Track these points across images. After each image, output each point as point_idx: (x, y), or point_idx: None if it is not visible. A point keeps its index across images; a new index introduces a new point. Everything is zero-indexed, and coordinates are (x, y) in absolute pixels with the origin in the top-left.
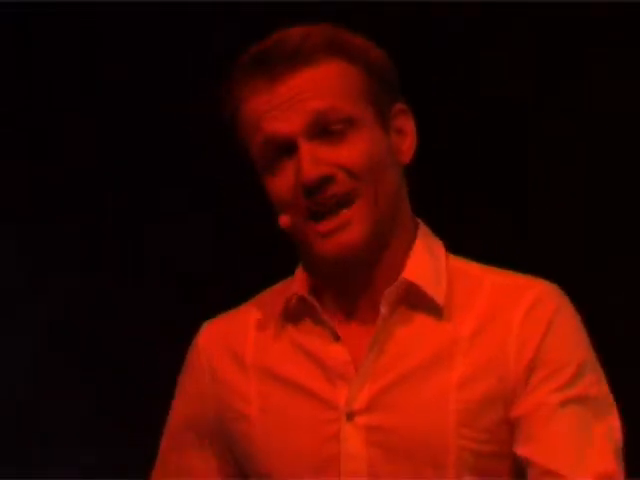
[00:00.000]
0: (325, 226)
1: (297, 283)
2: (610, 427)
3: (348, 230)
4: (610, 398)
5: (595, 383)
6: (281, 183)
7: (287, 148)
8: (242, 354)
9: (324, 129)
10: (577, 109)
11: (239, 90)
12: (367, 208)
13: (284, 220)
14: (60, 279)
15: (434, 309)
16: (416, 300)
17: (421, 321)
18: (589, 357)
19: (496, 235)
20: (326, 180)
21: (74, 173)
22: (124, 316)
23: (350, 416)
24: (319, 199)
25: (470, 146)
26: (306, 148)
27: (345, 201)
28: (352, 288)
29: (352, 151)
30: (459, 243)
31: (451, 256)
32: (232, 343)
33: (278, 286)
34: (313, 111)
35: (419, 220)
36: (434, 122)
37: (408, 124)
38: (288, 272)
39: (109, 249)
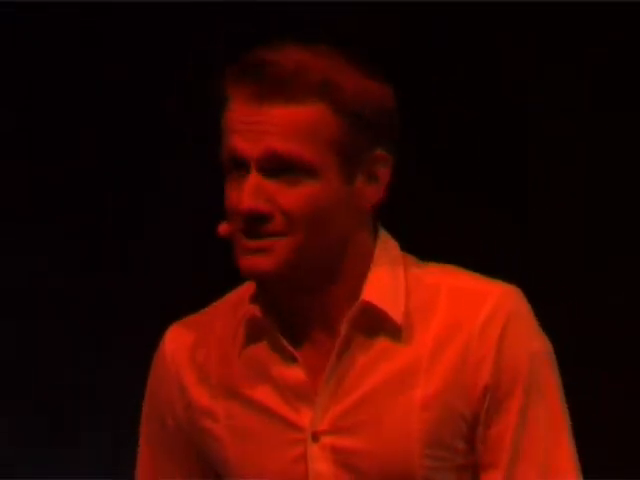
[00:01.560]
0: (249, 244)
1: (250, 302)
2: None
3: (266, 256)
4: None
5: (545, 377)
6: (231, 193)
7: (245, 166)
8: (207, 370)
9: (278, 169)
10: (577, 109)
11: (230, 89)
12: (295, 246)
13: (223, 228)
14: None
15: (394, 328)
16: (376, 320)
17: (382, 341)
18: (540, 356)
19: (496, 235)
20: (261, 217)
21: (74, 173)
22: (124, 315)
23: (315, 437)
24: (251, 227)
25: (470, 146)
26: (253, 178)
27: (276, 233)
28: (307, 308)
29: (298, 198)
30: (459, 243)
31: (407, 261)
32: (197, 356)
33: (234, 295)
34: (272, 149)
35: (378, 228)
36: (434, 122)
37: (383, 173)
38: None
39: (109, 249)
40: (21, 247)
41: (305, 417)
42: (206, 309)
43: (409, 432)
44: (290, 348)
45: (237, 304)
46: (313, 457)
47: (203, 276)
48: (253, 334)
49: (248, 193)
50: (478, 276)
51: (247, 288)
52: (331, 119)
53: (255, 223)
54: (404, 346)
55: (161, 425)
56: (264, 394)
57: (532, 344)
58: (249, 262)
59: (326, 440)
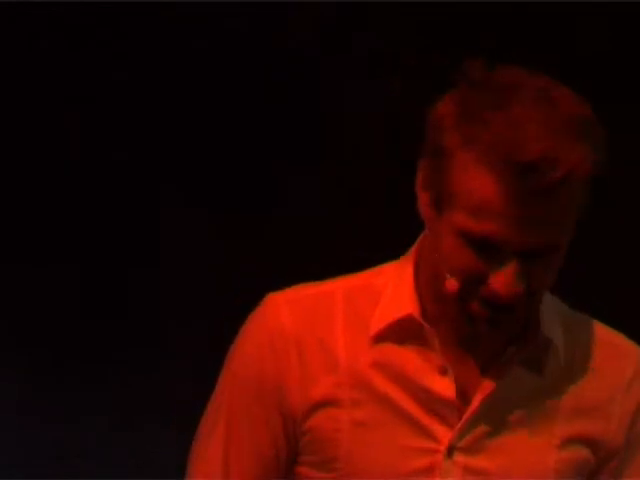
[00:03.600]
0: (486, 317)
1: (408, 301)
2: None
3: (497, 328)
4: None
5: None
6: (467, 257)
7: (501, 250)
8: (333, 350)
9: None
10: None
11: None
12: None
13: (452, 286)
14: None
15: (557, 365)
16: (545, 355)
17: (542, 374)
18: None
19: None
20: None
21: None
22: (137, 313)
23: (451, 452)
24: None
25: None
26: (517, 264)
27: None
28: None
29: (551, 277)
30: None
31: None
32: (320, 332)
33: (363, 279)
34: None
35: None
36: None
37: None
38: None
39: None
40: None
41: (442, 429)
42: (312, 285)
43: (545, 468)
44: (443, 360)
45: (368, 289)
46: (444, 471)
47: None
48: (399, 332)
49: (514, 280)
50: (607, 327)
51: (371, 277)
52: (583, 194)
53: (505, 309)
54: (555, 383)
55: (260, 405)
56: (399, 394)
57: None
58: (479, 328)
59: (460, 457)
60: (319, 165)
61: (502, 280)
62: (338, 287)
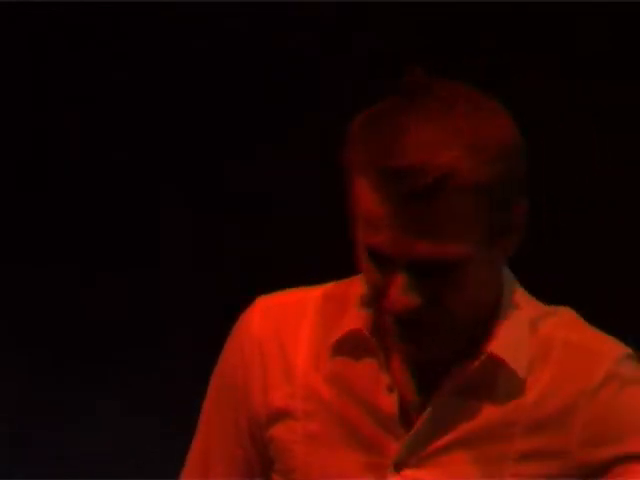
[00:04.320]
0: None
1: (354, 317)
2: None
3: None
4: None
5: None
6: (371, 271)
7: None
8: (293, 359)
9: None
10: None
11: (363, 178)
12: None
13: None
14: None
15: (512, 379)
16: (494, 370)
17: (491, 389)
18: None
19: None
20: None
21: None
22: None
23: (398, 467)
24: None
25: None
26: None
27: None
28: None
29: (453, 290)
30: None
31: (526, 303)
32: (284, 340)
33: (342, 287)
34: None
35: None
36: None
37: (520, 220)
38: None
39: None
40: None
41: (391, 445)
42: (296, 291)
43: None
44: (388, 379)
45: (338, 299)
46: None
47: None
48: (353, 345)
49: (401, 291)
50: (593, 330)
51: (348, 286)
52: (476, 207)
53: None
54: (510, 396)
55: (232, 407)
56: (350, 409)
57: None
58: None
59: (408, 473)
60: (319, 165)
61: (391, 292)
62: (316, 295)
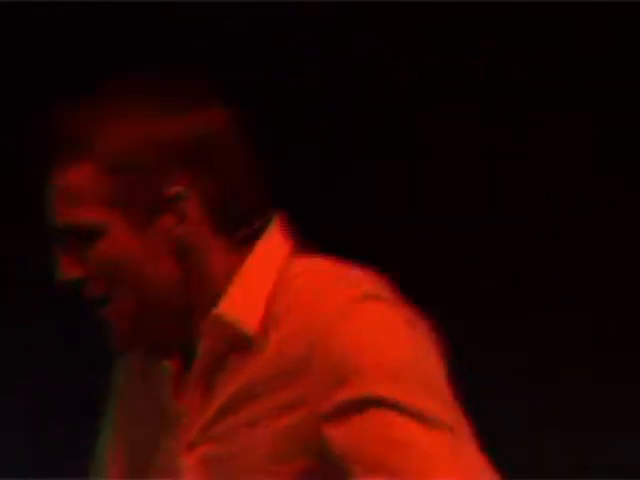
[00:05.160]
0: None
1: None
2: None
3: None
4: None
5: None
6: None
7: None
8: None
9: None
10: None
11: None
12: (124, 311)
13: None
14: None
15: (245, 339)
16: (229, 332)
17: (237, 352)
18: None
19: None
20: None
21: None
22: None
23: (190, 447)
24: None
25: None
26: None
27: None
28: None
29: (92, 259)
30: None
31: (290, 265)
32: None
33: None
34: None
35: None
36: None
37: (183, 206)
38: None
39: None
40: None
41: (183, 429)
42: None
43: (255, 446)
44: (168, 364)
45: None
46: (187, 466)
47: None
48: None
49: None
50: (343, 272)
51: None
52: (97, 178)
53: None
54: (255, 356)
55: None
56: (150, 415)
57: (376, 355)
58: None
59: (199, 450)
60: (319, 165)
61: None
62: None
